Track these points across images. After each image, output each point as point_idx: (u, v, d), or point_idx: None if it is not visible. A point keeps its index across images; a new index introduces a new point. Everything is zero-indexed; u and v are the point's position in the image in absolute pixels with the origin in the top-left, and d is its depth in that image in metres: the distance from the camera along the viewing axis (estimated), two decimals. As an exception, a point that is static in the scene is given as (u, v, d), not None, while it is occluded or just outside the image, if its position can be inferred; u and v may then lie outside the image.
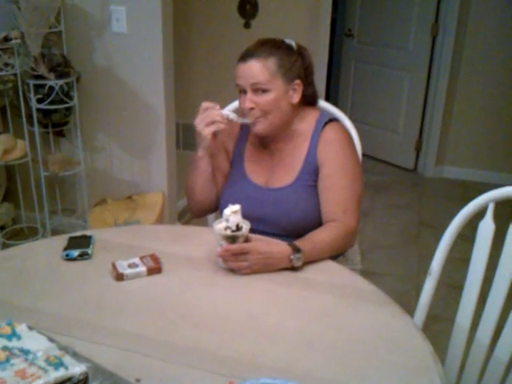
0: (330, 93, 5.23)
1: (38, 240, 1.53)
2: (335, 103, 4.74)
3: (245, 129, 1.64)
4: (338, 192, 1.50)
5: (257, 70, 1.46)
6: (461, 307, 1.33)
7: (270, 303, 1.21)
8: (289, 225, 1.53)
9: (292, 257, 1.30)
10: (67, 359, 0.93)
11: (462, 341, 1.31)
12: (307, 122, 1.57)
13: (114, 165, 2.99)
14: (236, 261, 1.29)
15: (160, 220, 2.86)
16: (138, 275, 1.28)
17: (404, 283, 2.80)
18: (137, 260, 1.32)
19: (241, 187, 1.60)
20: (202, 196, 1.63)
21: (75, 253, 1.36)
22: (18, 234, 3.08)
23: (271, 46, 1.49)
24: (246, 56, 1.48)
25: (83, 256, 1.36)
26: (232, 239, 1.30)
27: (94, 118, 2.88)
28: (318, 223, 1.50)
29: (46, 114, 2.63)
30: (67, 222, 3.12)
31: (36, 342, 0.97)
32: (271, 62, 1.46)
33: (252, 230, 1.36)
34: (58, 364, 0.91)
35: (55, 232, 3.00)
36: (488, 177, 4.16)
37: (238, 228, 1.30)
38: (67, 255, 1.35)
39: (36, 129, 2.65)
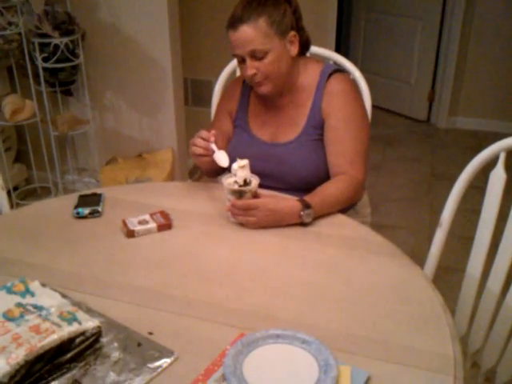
0: (341, 44, 5.11)
1: (49, 199, 1.53)
2: (346, 54, 4.66)
3: (246, 87, 1.61)
4: (344, 144, 1.48)
5: (250, 35, 1.39)
6: (471, 257, 1.32)
7: (280, 256, 1.22)
8: (296, 180, 1.52)
9: (302, 213, 1.30)
10: (80, 314, 0.95)
11: (472, 291, 1.32)
12: (311, 75, 1.54)
13: (124, 123, 2.97)
14: (244, 216, 1.30)
15: (171, 177, 2.87)
16: (148, 231, 1.29)
17: (416, 236, 2.80)
18: (147, 217, 1.33)
19: (246, 144, 1.58)
20: (209, 169, 1.60)
21: (86, 211, 1.37)
22: (31, 194, 3.11)
23: (257, 4, 1.40)
24: (234, 22, 1.40)
25: (93, 214, 1.37)
26: (239, 194, 1.30)
27: (101, 75, 2.85)
28: (325, 177, 1.48)
29: (52, 72, 2.61)
30: (79, 181, 3.14)
31: (49, 299, 0.99)
32: (263, 22, 1.39)
33: (261, 186, 1.35)
34: (72, 319, 0.93)
35: (67, 191, 3.03)
36: (502, 127, 4.09)
37: (246, 183, 1.30)
38: (78, 213, 1.36)
39: (43, 88, 2.63)
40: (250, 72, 1.44)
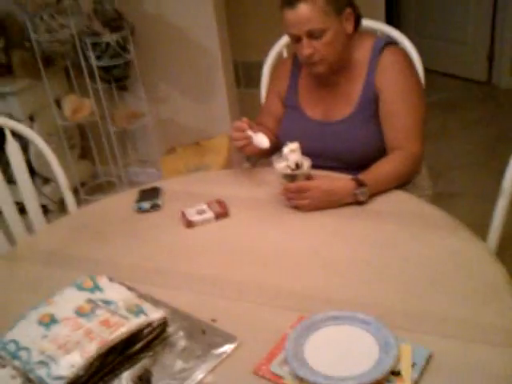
0: (392, 7, 4.95)
1: (111, 196, 1.59)
2: (397, 18, 4.53)
3: (296, 66, 1.60)
4: (399, 118, 1.45)
5: (308, 14, 1.36)
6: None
7: (336, 237, 1.23)
8: (351, 158, 1.51)
9: (356, 191, 1.30)
10: (146, 306, 1.00)
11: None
12: (363, 50, 1.50)
13: (179, 112, 3.03)
14: (298, 199, 1.30)
15: (228, 162, 2.91)
16: (206, 221, 1.33)
17: (483, 203, 2.70)
18: (204, 206, 1.36)
19: (298, 125, 1.59)
20: (260, 153, 1.61)
21: (146, 205, 1.42)
22: (97, 189, 3.24)
23: None
24: (291, 0, 1.38)
25: (154, 207, 1.42)
26: (291, 178, 1.31)
27: (153, 68, 2.91)
28: (380, 154, 1.46)
29: (106, 70, 2.69)
30: (142, 173, 3.24)
31: (117, 293, 1.04)
32: (320, 1, 1.37)
33: (314, 166, 1.36)
34: (138, 311, 0.98)
35: (131, 183, 3.13)
36: None
37: (298, 166, 1.30)
38: (139, 208, 1.42)
39: (99, 86, 2.72)
40: (307, 52, 1.42)
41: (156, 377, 0.90)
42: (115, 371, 0.92)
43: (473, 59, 4.23)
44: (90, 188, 3.21)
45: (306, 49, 1.42)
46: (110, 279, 1.10)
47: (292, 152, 1.30)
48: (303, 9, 1.37)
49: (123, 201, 1.48)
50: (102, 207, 1.51)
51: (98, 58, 2.60)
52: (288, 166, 1.31)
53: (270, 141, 1.61)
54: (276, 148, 1.65)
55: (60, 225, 1.47)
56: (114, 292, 1.05)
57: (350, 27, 1.45)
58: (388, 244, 1.17)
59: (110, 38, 2.55)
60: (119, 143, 2.99)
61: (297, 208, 1.32)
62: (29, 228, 1.64)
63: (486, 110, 3.80)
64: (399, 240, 1.18)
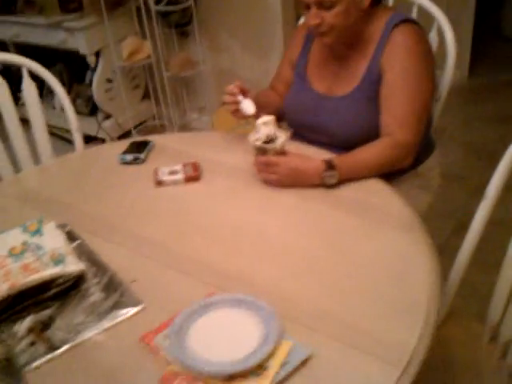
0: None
1: (106, 144, 1.64)
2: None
3: (311, 34, 1.53)
4: (397, 102, 1.36)
5: None
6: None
7: (289, 219, 1.19)
8: (344, 136, 1.44)
9: (325, 174, 1.25)
10: (69, 258, 1.04)
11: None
12: (376, 25, 1.40)
13: (237, 64, 3.02)
14: (266, 172, 1.28)
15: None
16: (175, 182, 1.34)
17: None
18: (179, 167, 1.37)
19: (300, 96, 1.53)
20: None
21: (129, 157, 1.45)
22: (151, 130, 3.34)
23: None
24: None
25: (136, 160, 1.45)
26: (262, 151, 1.28)
27: (214, 17, 2.89)
28: (375, 138, 1.38)
29: (164, 15, 2.72)
30: (196, 120, 3.29)
31: (53, 240, 1.09)
32: None
33: (306, 140, 1.34)
34: (59, 261, 1.02)
35: (184, 128, 3.20)
36: None
37: (269, 140, 1.27)
38: (122, 159, 1.45)
39: (156, 29, 2.76)
40: (313, 21, 1.35)
41: (54, 326, 0.95)
42: (23, 313, 0.98)
43: None
44: (142, 129, 3.32)
45: (313, 18, 1.35)
46: (62, 225, 1.16)
47: (265, 125, 1.26)
48: None
49: (115, 150, 1.52)
50: (95, 154, 1.57)
51: (157, 2, 2.63)
52: (259, 139, 1.28)
53: (275, 108, 1.58)
54: (281, 115, 1.61)
55: (49, 166, 1.55)
56: (51, 239, 1.10)
57: (365, 1, 1.35)
58: (334, 234, 1.13)
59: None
60: (175, 88, 3.04)
61: (265, 182, 1.30)
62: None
63: None
64: (346, 232, 1.13)
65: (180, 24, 2.83)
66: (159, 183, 1.34)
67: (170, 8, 2.65)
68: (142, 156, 1.45)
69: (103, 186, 1.38)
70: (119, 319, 0.95)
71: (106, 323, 0.95)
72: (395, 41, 1.36)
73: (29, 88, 1.65)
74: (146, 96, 3.40)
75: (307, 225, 1.17)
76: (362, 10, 1.36)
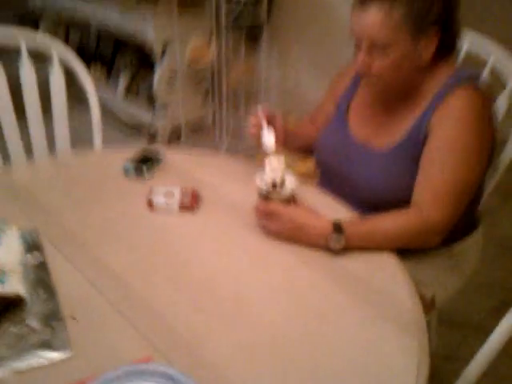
0: None
1: (119, 148, 1.54)
2: None
3: (358, 77, 1.35)
4: (435, 174, 1.15)
5: (376, 22, 1.11)
6: None
7: (277, 286, 1.01)
8: (372, 195, 1.25)
9: (330, 237, 1.07)
10: (12, 279, 0.93)
11: None
12: (434, 80, 1.20)
13: (303, 84, 2.87)
14: (266, 220, 1.12)
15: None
16: (168, 208, 1.21)
17: None
18: (177, 191, 1.24)
19: (336, 136, 1.37)
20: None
21: (132, 169, 1.34)
22: (197, 132, 3.28)
23: None
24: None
25: (137, 173, 1.33)
26: (264, 197, 1.12)
27: (288, 31, 2.76)
28: (405, 205, 1.17)
29: (234, 20, 2.61)
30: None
31: (6, 251, 0.99)
32: (397, 12, 1.10)
33: (326, 187, 1.24)
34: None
35: (235, 136, 3.11)
36: None
37: (275, 186, 1.11)
38: (124, 168, 1.34)
39: (222, 31, 2.65)
40: (360, 64, 1.19)
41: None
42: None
43: None
44: (193, 128, 3.23)
45: (361, 61, 1.18)
46: (29, 232, 1.08)
47: (272, 168, 1.11)
48: (373, 14, 1.12)
49: (122, 158, 1.40)
50: (100, 158, 1.47)
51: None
52: (264, 183, 1.12)
53: (307, 141, 1.44)
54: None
55: (48, 162, 1.47)
56: (5, 248, 0.99)
57: (427, 54, 1.16)
58: (318, 311, 0.95)
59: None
60: (234, 95, 2.93)
61: (263, 230, 1.14)
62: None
63: None
64: (335, 313, 0.94)
65: (250, 28, 2.70)
66: (151, 206, 1.21)
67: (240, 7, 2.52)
68: (146, 175, 1.33)
69: (93, 197, 1.27)
70: (38, 363, 0.83)
71: (23, 364, 0.82)
72: (449, 103, 1.16)
73: (57, 75, 1.57)
74: (206, 95, 3.31)
75: (295, 296, 0.99)
76: (421, 62, 1.17)
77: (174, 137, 3.19)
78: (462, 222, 1.22)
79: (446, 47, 1.21)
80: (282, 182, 1.12)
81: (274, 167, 1.10)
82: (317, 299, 0.98)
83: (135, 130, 3.33)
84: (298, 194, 1.15)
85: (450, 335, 1.84)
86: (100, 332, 0.89)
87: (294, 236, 1.10)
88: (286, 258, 1.08)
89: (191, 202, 1.21)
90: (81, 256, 1.06)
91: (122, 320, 0.91)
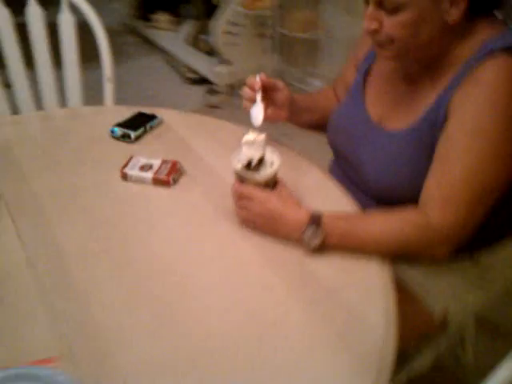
0: None
1: (111, 106, 1.42)
2: None
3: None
4: (449, 167, 0.92)
5: None
6: None
7: (216, 284, 0.87)
8: (378, 186, 1.05)
9: (306, 229, 0.90)
10: None
11: None
12: (467, 44, 0.95)
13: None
14: (236, 203, 0.97)
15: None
16: (141, 180, 1.09)
17: None
18: (156, 162, 1.11)
19: (350, 114, 1.15)
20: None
21: (119, 132, 1.22)
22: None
23: None
24: None
25: (125, 137, 1.22)
26: (240, 178, 0.97)
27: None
28: (413, 200, 0.96)
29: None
30: (309, 83, 2.96)
31: None
32: None
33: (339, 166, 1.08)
34: None
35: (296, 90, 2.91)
36: None
37: (250, 166, 0.95)
38: (112, 131, 1.23)
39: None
40: (368, 25, 0.95)
41: None
42: None
43: None
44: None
45: (368, 21, 0.94)
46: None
47: (248, 145, 0.94)
48: None
49: (116, 117, 1.29)
50: (93, 116, 1.36)
51: None
52: (240, 162, 0.96)
53: (322, 114, 1.24)
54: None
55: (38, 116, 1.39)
56: None
57: (455, 13, 0.90)
58: (264, 320, 0.80)
59: None
60: (294, 47, 2.72)
61: (237, 217, 0.99)
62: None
63: None
64: (279, 321, 0.79)
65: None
66: (124, 176, 1.09)
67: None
68: (132, 134, 1.21)
69: (71, 160, 1.17)
70: None
71: None
72: (476, 77, 0.90)
73: (67, 20, 1.46)
74: (267, 47, 3.12)
75: (246, 298, 0.85)
76: (446, 24, 0.92)
77: (234, 89, 3.05)
78: (491, 226, 1.00)
79: (483, 5, 0.95)
80: (260, 163, 0.95)
81: (252, 143, 0.93)
82: (270, 306, 0.83)
83: (197, 82, 3.23)
84: (287, 180, 0.98)
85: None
86: (14, 318, 0.80)
87: (265, 225, 0.94)
88: (249, 252, 0.93)
89: (167, 177, 1.07)
90: (30, 226, 0.97)
91: (43, 310, 0.82)
